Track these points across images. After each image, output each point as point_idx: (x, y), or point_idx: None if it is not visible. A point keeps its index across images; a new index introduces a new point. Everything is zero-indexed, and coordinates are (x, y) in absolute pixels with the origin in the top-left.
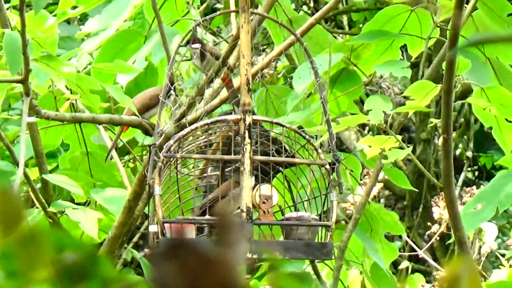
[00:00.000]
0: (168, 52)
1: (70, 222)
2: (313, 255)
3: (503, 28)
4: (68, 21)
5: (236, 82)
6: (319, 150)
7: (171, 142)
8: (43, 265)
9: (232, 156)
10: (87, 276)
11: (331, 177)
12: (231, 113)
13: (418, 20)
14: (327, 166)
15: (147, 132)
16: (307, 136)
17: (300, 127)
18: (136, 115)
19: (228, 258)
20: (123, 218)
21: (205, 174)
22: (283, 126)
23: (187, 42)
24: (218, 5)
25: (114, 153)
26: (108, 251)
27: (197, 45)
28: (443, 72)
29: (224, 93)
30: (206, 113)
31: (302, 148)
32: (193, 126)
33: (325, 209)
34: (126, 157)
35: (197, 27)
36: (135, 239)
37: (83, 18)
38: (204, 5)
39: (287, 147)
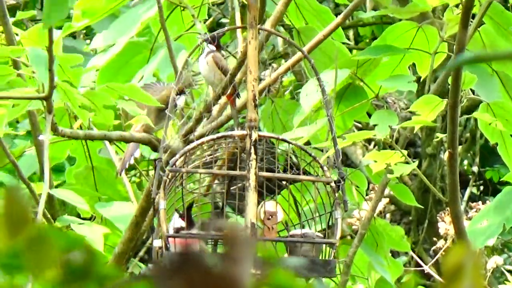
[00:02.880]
0: (176, 67)
1: (78, 233)
2: (317, 272)
3: (510, 42)
4: (74, 36)
5: (241, 99)
6: (325, 168)
7: (177, 156)
8: (50, 266)
9: (238, 172)
10: (91, 275)
11: (336, 194)
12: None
13: (426, 37)
14: (332, 184)
15: (155, 149)
16: (312, 153)
17: (308, 143)
18: (149, 129)
19: (234, 273)
20: (130, 233)
21: (210, 191)
22: (289, 142)
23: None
24: (223, 19)
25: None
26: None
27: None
28: (449, 86)
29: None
30: (213, 130)
31: (308, 165)
32: (199, 141)
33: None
34: (132, 172)
35: (205, 42)
36: (141, 253)
37: (89, 33)
38: (210, 19)
39: (293, 164)
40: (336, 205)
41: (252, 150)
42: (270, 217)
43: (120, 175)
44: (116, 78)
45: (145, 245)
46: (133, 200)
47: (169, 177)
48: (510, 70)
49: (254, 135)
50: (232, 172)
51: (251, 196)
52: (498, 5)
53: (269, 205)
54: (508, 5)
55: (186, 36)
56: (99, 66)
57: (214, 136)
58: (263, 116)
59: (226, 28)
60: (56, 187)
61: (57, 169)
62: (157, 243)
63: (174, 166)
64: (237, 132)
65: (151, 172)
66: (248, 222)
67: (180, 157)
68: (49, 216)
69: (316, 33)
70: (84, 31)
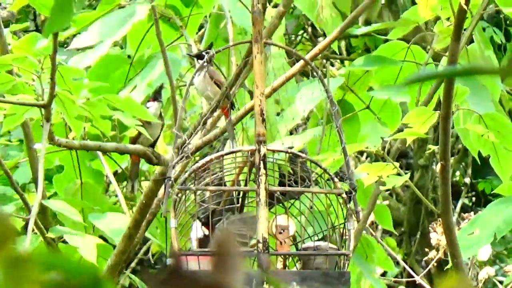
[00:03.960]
0: (172, 80)
1: (69, 248)
2: (331, 284)
3: (489, 61)
4: (66, 46)
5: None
6: (336, 179)
7: (186, 175)
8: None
9: (248, 188)
10: None
11: (348, 206)
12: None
13: (414, 57)
14: (344, 195)
15: (150, 161)
16: (323, 165)
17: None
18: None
19: (225, 283)
20: (123, 246)
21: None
22: (299, 156)
23: (196, 56)
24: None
25: (112, 178)
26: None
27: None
28: (441, 98)
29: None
30: (208, 142)
31: (319, 177)
32: (207, 158)
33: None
34: (124, 183)
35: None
36: (132, 264)
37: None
38: (202, 30)
39: (304, 176)
40: (349, 216)
41: (262, 165)
42: (282, 231)
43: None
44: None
45: (137, 256)
46: (125, 211)
47: (179, 195)
48: (491, 87)
49: (263, 150)
50: (242, 188)
51: (262, 211)
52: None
53: (281, 219)
54: (501, 16)
55: (172, 47)
56: (81, 68)
57: (223, 153)
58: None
59: (231, 44)
60: (49, 198)
61: (49, 179)
62: (170, 261)
63: (183, 184)
64: (246, 147)
65: (144, 184)
66: (260, 237)
67: (189, 175)
68: (42, 226)
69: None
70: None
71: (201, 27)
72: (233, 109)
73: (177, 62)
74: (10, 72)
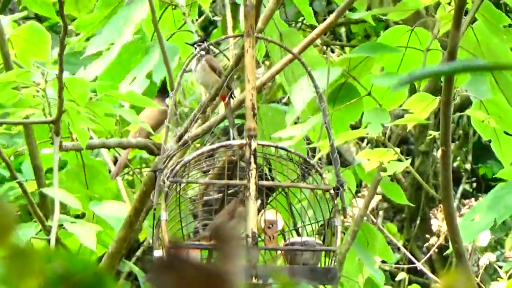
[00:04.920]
0: (170, 69)
1: (68, 235)
2: (318, 280)
3: (501, 39)
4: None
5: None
6: (324, 175)
7: (177, 167)
8: (31, 279)
9: (238, 181)
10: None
11: (335, 202)
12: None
13: (418, 39)
14: (331, 191)
15: (152, 153)
16: (312, 161)
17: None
18: (147, 133)
19: (225, 270)
20: (123, 233)
21: (205, 198)
22: (288, 151)
23: (193, 44)
24: (216, 18)
25: (110, 162)
26: (109, 266)
27: (202, 47)
28: (442, 84)
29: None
30: (207, 130)
31: (307, 172)
32: (199, 151)
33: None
34: (126, 170)
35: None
36: (138, 253)
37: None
38: (202, 18)
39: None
40: (335, 213)
41: (252, 160)
42: (271, 225)
43: (115, 178)
44: (118, 80)
45: (142, 244)
46: (125, 199)
47: (170, 187)
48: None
49: (254, 144)
50: (232, 182)
51: (251, 206)
52: (489, 4)
53: (269, 214)
54: (501, 2)
55: (177, 34)
56: (98, 74)
57: (214, 146)
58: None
59: (223, 36)
60: (49, 185)
61: (50, 168)
62: (158, 253)
63: (174, 177)
64: (237, 141)
65: (144, 170)
66: (249, 232)
67: (180, 167)
68: (41, 214)
69: (298, 37)
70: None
71: (201, 14)
72: (232, 98)
73: (175, 51)
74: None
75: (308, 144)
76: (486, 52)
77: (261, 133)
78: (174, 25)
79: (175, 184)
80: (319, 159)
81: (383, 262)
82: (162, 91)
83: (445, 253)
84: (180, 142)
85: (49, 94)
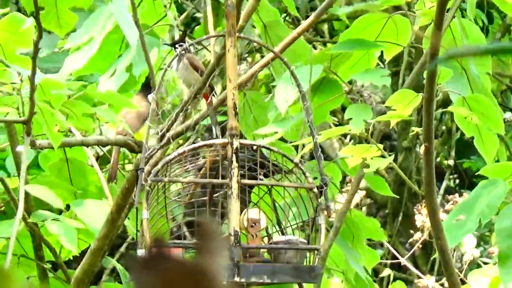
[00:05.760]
0: (150, 63)
1: (50, 232)
2: (301, 278)
3: (476, 39)
4: (48, 31)
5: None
6: (307, 174)
7: (159, 166)
8: None
9: (220, 180)
10: None
11: (319, 200)
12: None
13: (395, 26)
14: (315, 190)
15: (132, 150)
16: (295, 160)
17: (282, 139)
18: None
19: (208, 266)
20: (106, 230)
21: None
22: (270, 150)
23: (173, 44)
24: (198, 14)
25: (94, 161)
26: (91, 263)
27: (181, 48)
28: (424, 80)
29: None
30: (189, 128)
31: (290, 171)
32: (180, 150)
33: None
34: (108, 166)
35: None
36: (122, 249)
37: None
38: (184, 14)
39: (275, 170)
40: (319, 211)
41: (234, 158)
42: (254, 224)
43: (113, 180)
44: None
45: (126, 240)
46: (107, 194)
47: (151, 187)
48: (480, 65)
49: (236, 143)
50: (214, 181)
51: (234, 204)
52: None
53: (252, 212)
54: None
55: (157, 27)
56: (77, 68)
57: (196, 145)
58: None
59: (204, 36)
60: (31, 181)
61: (33, 164)
62: (141, 252)
63: (156, 176)
64: (219, 140)
65: (127, 167)
66: (232, 230)
67: (162, 166)
68: (24, 212)
69: (283, 28)
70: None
71: (182, 10)
72: (214, 96)
73: (155, 45)
74: None
75: (291, 142)
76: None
77: (252, 120)
78: (156, 16)
79: (157, 183)
80: (302, 156)
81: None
82: (146, 86)
83: (429, 250)
84: (164, 141)
85: (24, 94)
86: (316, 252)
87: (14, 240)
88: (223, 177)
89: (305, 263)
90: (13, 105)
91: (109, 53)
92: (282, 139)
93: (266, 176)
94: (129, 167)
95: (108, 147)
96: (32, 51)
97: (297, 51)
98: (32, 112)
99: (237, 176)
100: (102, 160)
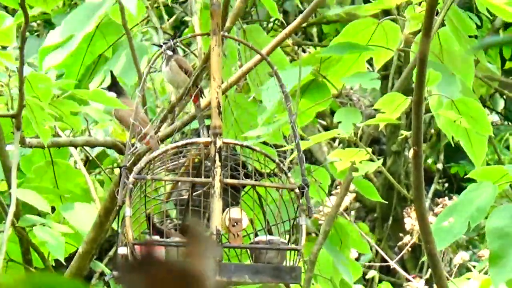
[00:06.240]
0: (139, 69)
1: (38, 239)
2: (282, 278)
3: (464, 48)
4: (38, 35)
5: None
6: (289, 174)
7: (142, 164)
8: None
9: (203, 179)
10: None
11: (300, 201)
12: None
13: (385, 32)
14: (297, 190)
15: (121, 151)
16: (276, 160)
17: (264, 143)
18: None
19: (196, 268)
20: (94, 234)
21: (171, 198)
22: (253, 149)
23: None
24: (186, 18)
25: (80, 163)
26: (79, 266)
27: (169, 51)
28: (413, 84)
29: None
30: (177, 129)
31: (272, 172)
32: (163, 149)
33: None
34: (97, 170)
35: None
36: (110, 252)
37: (52, 29)
38: (173, 18)
39: (256, 170)
40: (301, 212)
41: (217, 157)
42: (235, 224)
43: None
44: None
45: (114, 244)
46: (95, 197)
47: (134, 184)
48: (463, 75)
49: (219, 142)
50: (197, 180)
51: (216, 203)
52: (460, 12)
53: (234, 212)
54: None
55: (139, 27)
56: (56, 64)
57: (179, 143)
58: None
59: (189, 35)
60: (19, 185)
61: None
62: (122, 250)
63: (139, 174)
64: (202, 139)
65: (116, 170)
66: (214, 229)
67: (144, 164)
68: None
69: (261, 33)
70: (47, 29)
71: (171, 14)
72: (202, 97)
73: (143, 50)
74: None
75: (275, 148)
76: (447, 59)
77: (234, 123)
78: (138, 16)
79: (140, 181)
80: (290, 161)
81: (356, 260)
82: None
83: (418, 254)
84: (153, 139)
85: (12, 89)
86: (297, 252)
87: (5, 245)
88: (205, 176)
89: (284, 264)
90: (1, 102)
91: (78, 49)
92: (265, 143)
93: (246, 176)
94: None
95: (97, 151)
96: (20, 41)
97: (277, 63)
98: (22, 105)
99: (220, 175)
100: (92, 164)
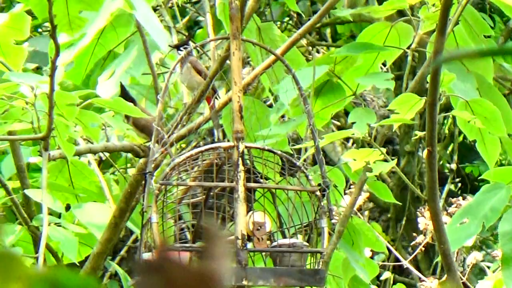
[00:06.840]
0: (152, 66)
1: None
2: (306, 281)
3: (480, 47)
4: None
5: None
6: (310, 177)
7: (167, 170)
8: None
9: (227, 184)
10: None
11: (321, 203)
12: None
13: (397, 34)
14: (318, 193)
15: (138, 155)
16: (298, 163)
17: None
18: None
19: (212, 270)
20: (108, 234)
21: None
22: (274, 153)
23: (176, 47)
24: (200, 18)
25: (94, 164)
26: (93, 266)
27: (182, 52)
28: (428, 84)
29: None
30: (191, 131)
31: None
32: (187, 154)
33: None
34: (111, 169)
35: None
36: (122, 252)
37: None
38: (186, 18)
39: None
40: (322, 214)
41: (240, 161)
42: (259, 227)
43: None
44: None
45: (126, 244)
46: (108, 197)
47: (159, 190)
48: (484, 71)
49: (241, 146)
50: (222, 184)
51: (240, 208)
52: (474, 12)
53: (257, 215)
54: (486, 2)
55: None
56: (66, 61)
57: (202, 148)
58: (225, 113)
59: (208, 39)
60: (32, 185)
61: (33, 168)
62: (147, 256)
63: (165, 179)
64: (224, 143)
65: (130, 171)
66: (239, 234)
67: (170, 170)
68: (25, 215)
69: (276, 30)
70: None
71: (184, 14)
72: (217, 99)
73: (155, 47)
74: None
75: (293, 145)
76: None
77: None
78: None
79: (164, 186)
80: (304, 160)
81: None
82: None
83: (432, 254)
84: (167, 144)
85: (37, 107)
86: (319, 255)
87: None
88: (222, 180)
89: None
90: (25, 118)
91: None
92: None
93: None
94: (132, 171)
95: None
96: (50, 68)
97: (292, 61)
98: (51, 128)
99: (244, 179)
100: (105, 164)
